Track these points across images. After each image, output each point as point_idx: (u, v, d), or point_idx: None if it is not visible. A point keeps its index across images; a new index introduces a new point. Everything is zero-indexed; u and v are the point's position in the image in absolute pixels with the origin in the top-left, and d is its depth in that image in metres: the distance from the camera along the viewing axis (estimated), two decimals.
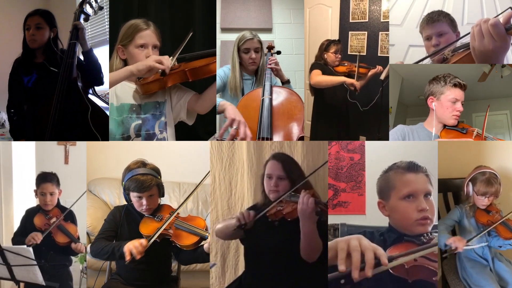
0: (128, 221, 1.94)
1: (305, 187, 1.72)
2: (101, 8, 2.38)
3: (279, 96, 2.22)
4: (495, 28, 1.37)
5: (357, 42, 2.91)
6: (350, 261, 1.14)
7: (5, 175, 2.52)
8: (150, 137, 2.08)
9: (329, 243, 1.22)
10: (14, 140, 2.44)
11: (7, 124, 2.53)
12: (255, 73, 2.39)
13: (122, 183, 1.94)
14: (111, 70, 2.02)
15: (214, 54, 2.02)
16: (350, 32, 2.96)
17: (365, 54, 2.84)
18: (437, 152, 1.98)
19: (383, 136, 2.26)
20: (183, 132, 2.28)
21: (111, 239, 1.90)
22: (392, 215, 1.56)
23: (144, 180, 1.87)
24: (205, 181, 1.98)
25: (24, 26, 2.31)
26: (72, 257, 2.24)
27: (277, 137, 2.15)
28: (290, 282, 1.74)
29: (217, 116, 2.32)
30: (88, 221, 2.54)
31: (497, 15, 1.45)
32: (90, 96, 2.31)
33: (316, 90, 2.69)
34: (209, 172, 2.15)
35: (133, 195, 1.90)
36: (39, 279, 1.85)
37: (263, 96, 2.18)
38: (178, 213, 1.92)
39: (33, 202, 2.28)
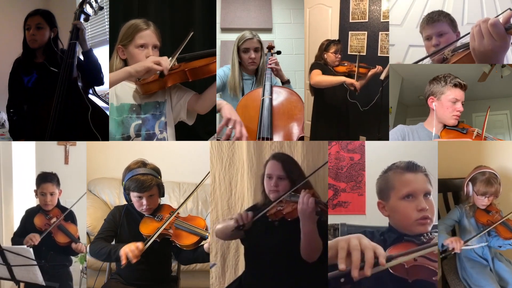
0: (128, 221, 1.94)
1: (305, 187, 1.72)
2: (101, 8, 2.38)
3: (279, 96, 2.22)
4: (495, 28, 1.37)
5: (357, 42, 2.91)
6: (350, 260, 1.14)
7: (5, 175, 2.52)
8: (150, 137, 2.07)
9: (329, 242, 1.22)
10: (14, 140, 2.44)
11: (7, 124, 2.52)
12: (255, 73, 2.39)
13: (122, 183, 1.94)
14: (111, 70, 2.02)
15: (214, 54, 2.02)
16: (350, 32, 2.95)
17: (365, 54, 2.84)
18: (437, 152, 1.98)
19: (383, 136, 2.26)
20: (183, 132, 2.28)
21: (110, 239, 1.90)
22: (392, 215, 1.56)
23: (144, 180, 1.87)
24: (205, 181, 1.98)
25: (24, 26, 2.31)
26: (72, 257, 2.24)
27: (277, 137, 2.15)
28: (290, 282, 1.74)
29: (217, 116, 2.32)
30: (88, 221, 2.54)
31: (497, 16, 1.45)
32: (90, 96, 2.31)
33: (316, 90, 2.68)
34: (209, 172, 2.15)
35: (133, 195, 1.90)
36: (39, 279, 1.85)
37: (263, 96, 2.19)
38: (178, 213, 1.92)
39: (33, 202, 2.28)
